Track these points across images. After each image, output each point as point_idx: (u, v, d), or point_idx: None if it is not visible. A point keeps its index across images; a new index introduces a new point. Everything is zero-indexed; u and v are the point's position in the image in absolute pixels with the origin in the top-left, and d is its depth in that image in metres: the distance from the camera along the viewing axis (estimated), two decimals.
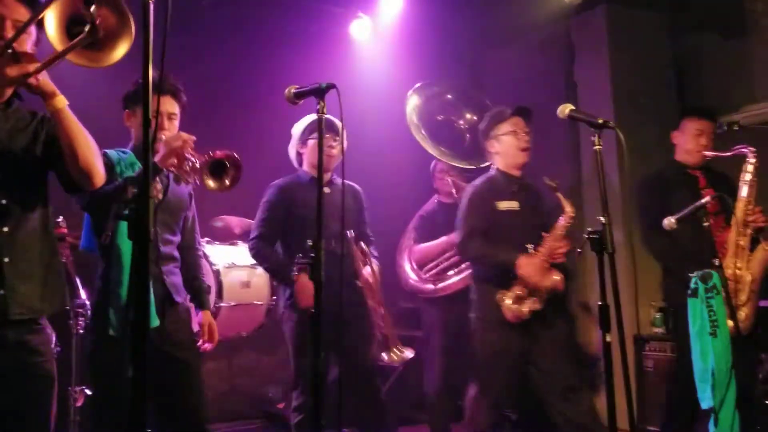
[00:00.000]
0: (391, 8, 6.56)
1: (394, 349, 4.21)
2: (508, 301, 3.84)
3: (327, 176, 4.09)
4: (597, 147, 3.12)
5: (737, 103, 5.25)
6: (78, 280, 4.52)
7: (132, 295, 1.82)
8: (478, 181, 4.18)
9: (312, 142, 4.19)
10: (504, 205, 4.02)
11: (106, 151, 3.18)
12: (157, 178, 3.18)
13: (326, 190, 3.88)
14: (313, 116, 4.08)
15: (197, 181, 3.05)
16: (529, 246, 3.92)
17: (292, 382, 4.16)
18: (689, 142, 4.37)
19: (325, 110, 2.82)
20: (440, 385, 5.05)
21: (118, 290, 3.09)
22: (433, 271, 5.16)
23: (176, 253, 3.44)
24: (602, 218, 2.99)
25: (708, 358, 3.80)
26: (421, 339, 5.45)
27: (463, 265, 4.93)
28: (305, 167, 4.30)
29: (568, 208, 3.88)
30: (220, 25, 6.01)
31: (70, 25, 2.19)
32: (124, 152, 3.31)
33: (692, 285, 3.94)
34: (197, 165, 3.02)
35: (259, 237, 4.17)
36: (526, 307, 3.83)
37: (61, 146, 2.45)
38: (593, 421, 3.90)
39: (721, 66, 5.70)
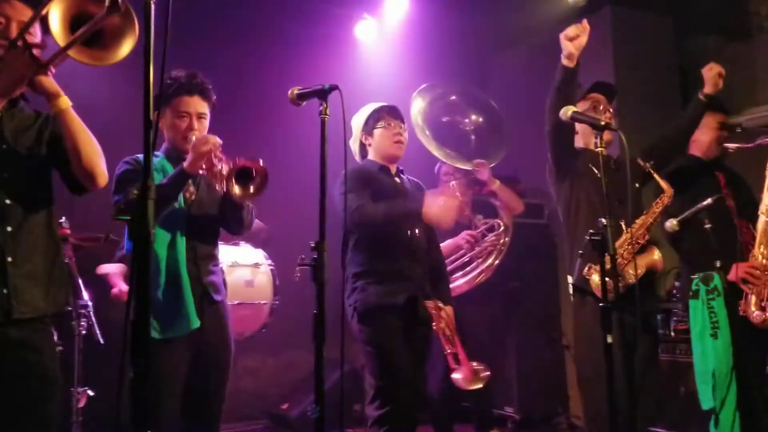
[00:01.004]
0: (396, 10, 6.58)
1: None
2: (596, 278, 3.46)
3: (394, 168, 3.92)
4: (599, 149, 3.13)
5: (740, 106, 5.24)
6: (81, 281, 4.55)
7: (133, 296, 1.79)
8: None
9: (379, 131, 3.88)
10: None
11: (137, 156, 3.15)
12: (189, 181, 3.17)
13: (396, 180, 3.87)
14: (374, 105, 3.97)
15: (223, 189, 3.03)
16: None
17: (374, 391, 3.62)
18: (708, 136, 4.27)
19: (327, 111, 2.81)
20: (443, 386, 5.05)
21: (156, 293, 3.06)
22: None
23: (216, 251, 3.38)
24: (603, 220, 3.00)
25: (709, 359, 3.81)
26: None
27: (468, 267, 4.90)
28: (372, 156, 3.94)
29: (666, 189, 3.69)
30: (225, 28, 6.04)
31: (75, 24, 2.21)
32: (155, 155, 3.20)
33: (693, 287, 3.96)
34: (223, 172, 3.00)
35: (363, 204, 3.61)
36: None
37: (65, 147, 2.48)
38: None
39: (724, 69, 5.70)
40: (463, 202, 4.86)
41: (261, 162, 3.05)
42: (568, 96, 3.57)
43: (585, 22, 3.60)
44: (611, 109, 3.91)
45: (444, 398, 5.04)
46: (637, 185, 3.84)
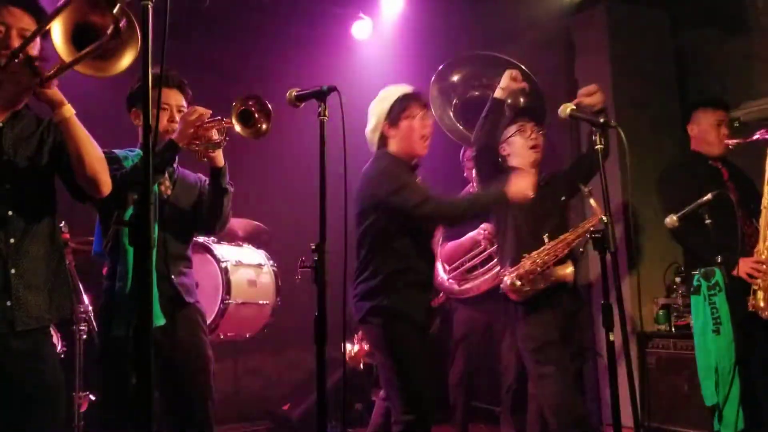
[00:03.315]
0: (392, 9, 6.56)
1: None
2: (507, 281, 3.84)
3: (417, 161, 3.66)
4: (598, 146, 3.13)
5: (738, 100, 5.23)
6: (81, 286, 4.54)
7: (135, 302, 1.79)
8: None
9: (407, 123, 3.55)
10: None
11: (114, 151, 3.13)
12: (165, 174, 3.17)
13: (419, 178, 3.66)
14: (398, 90, 3.65)
15: (226, 140, 3.06)
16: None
17: (403, 396, 3.43)
18: (710, 133, 4.30)
19: (326, 113, 2.80)
20: (461, 384, 5.02)
21: (123, 285, 2.96)
22: (457, 271, 4.99)
23: (188, 253, 3.33)
24: (604, 217, 3.00)
25: (711, 355, 3.81)
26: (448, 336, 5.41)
27: (490, 264, 4.73)
28: (393, 149, 3.61)
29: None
30: (222, 28, 6.03)
31: (77, 34, 2.20)
32: (131, 151, 3.24)
33: (695, 282, 3.95)
34: (224, 123, 3.01)
35: (429, 197, 3.44)
36: (528, 287, 3.80)
37: (68, 155, 2.47)
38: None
39: (721, 62, 5.69)
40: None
41: (254, 94, 3.05)
42: (495, 123, 3.92)
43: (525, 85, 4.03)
44: (540, 132, 4.07)
45: (460, 397, 5.02)
46: (563, 198, 4.07)
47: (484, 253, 4.83)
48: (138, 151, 3.22)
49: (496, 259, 4.64)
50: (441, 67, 4.61)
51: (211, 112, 3.03)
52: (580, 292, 4.09)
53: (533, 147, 4.03)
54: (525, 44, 6.49)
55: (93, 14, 2.18)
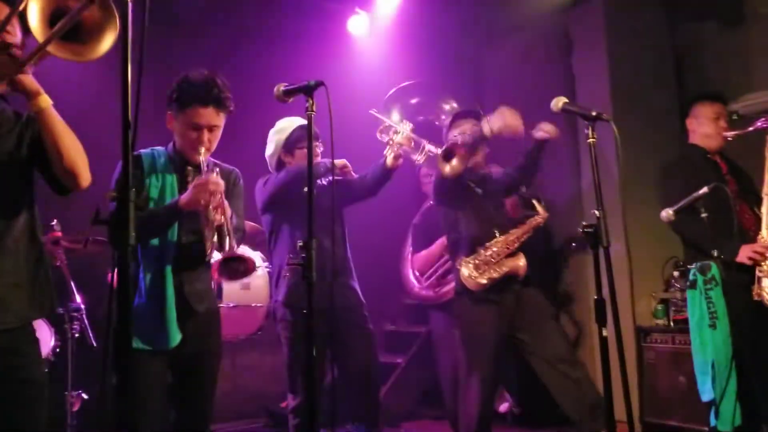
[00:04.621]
0: (388, 4, 6.54)
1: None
2: (465, 271, 4.01)
3: None
4: (591, 140, 3.10)
5: (736, 93, 5.20)
6: (73, 284, 4.52)
7: (114, 303, 1.75)
8: None
9: (300, 152, 3.99)
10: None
11: (141, 152, 3.06)
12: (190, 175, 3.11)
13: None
14: (295, 122, 4.04)
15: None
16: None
17: (289, 383, 3.96)
18: (709, 127, 4.27)
19: (314, 108, 2.78)
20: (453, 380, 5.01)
21: (138, 301, 2.96)
22: (432, 278, 5.16)
23: (203, 257, 3.13)
24: (597, 212, 2.97)
25: (708, 350, 3.79)
26: (427, 340, 5.43)
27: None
28: None
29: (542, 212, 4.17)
30: (216, 23, 6.00)
31: (54, 20, 2.16)
32: (157, 153, 3.14)
33: (691, 277, 3.93)
34: (215, 222, 2.92)
35: None
36: (485, 278, 3.98)
37: (45, 146, 2.41)
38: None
39: (720, 55, 5.67)
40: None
41: (248, 259, 2.99)
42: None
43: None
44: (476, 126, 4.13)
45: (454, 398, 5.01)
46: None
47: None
48: (164, 153, 3.15)
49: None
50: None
51: (222, 188, 2.95)
52: (531, 283, 4.20)
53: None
54: (522, 39, 6.47)
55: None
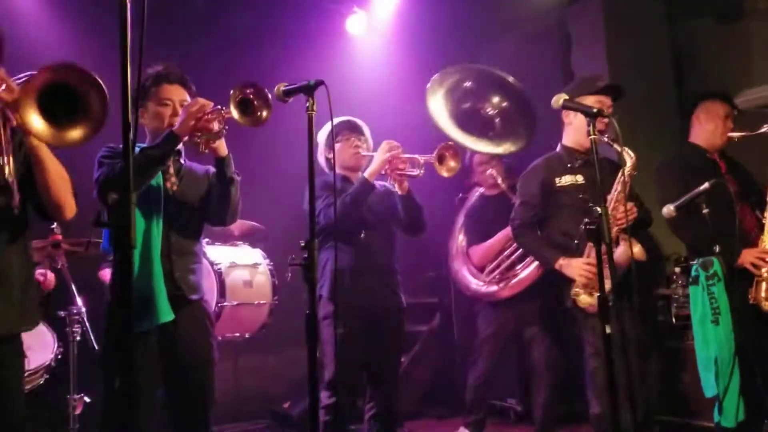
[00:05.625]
0: (386, 2, 6.54)
1: None
2: (583, 296, 3.63)
3: (358, 175, 4.04)
4: (592, 136, 3.10)
5: (736, 88, 5.20)
6: (74, 287, 4.50)
7: (118, 302, 1.75)
8: (536, 161, 4.09)
9: (338, 145, 4.07)
10: (566, 179, 3.89)
11: (113, 146, 3.06)
12: (171, 170, 3.15)
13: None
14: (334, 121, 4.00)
15: (226, 129, 3.05)
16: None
17: (325, 381, 3.82)
18: (716, 125, 4.22)
19: (314, 107, 2.78)
20: (483, 384, 4.97)
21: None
22: (497, 271, 4.97)
23: (196, 248, 3.25)
24: (599, 209, 2.96)
25: (710, 346, 3.78)
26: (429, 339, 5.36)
27: (527, 260, 4.75)
28: (337, 169, 3.98)
29: (629, 160, 3.60)
30: (215, 23, 6.00)
31: (46, 101, 2.17)
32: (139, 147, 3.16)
33: (693, 273, 3.92)
34: (224, 113, 2.98)
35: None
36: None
37: (35, 181, 2.46)
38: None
39: (719, 50, 5.67)
40: (505, 187, 4.94)
41: (252, 82, 2.98)
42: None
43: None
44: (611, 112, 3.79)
45: (480, 396, 5.00)
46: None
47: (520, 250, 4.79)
48: (142, 146, 3.18)
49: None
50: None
51: (212, 103, 3.01)
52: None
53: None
54: (521, 36, 6.47)
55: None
